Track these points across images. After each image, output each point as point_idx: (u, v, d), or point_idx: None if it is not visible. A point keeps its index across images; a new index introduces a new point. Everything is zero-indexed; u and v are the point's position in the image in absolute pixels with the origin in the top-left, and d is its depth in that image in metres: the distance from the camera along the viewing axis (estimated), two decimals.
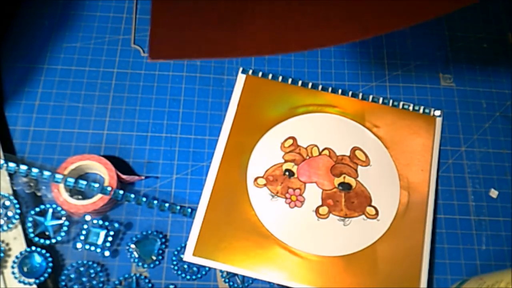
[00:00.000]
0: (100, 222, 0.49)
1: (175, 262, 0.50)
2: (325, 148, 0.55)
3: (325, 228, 0.51)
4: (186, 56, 0.45)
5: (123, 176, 0.51)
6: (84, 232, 0.49)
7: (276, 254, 0.50)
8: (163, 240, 0.51)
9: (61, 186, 0.49)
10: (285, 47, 0.43)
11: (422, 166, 0.55)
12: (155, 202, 0.51)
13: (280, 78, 0.58)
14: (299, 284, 0.49)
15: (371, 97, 0.58)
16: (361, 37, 0.43)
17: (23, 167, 0.49)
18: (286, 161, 0.54)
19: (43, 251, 0.48)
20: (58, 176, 0.49)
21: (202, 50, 0.42)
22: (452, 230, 0.54)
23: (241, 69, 0.58)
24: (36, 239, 0.49)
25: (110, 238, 0.49)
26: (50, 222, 0.49)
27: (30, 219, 0.49)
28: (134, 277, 0.49)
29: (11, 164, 0.49)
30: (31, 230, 0.49)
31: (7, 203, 0.49)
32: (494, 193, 0.55)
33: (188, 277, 0.50)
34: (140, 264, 0.49)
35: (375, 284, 0.49)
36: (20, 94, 0.56)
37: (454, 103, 0.60)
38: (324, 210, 0.52)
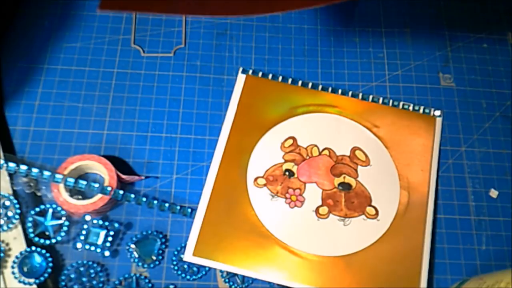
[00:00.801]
0: (100, 222, 0.49)
1: (175, 262, 0.50)
2: (325, 148, 0.55)
3: (325, 228, 0.51)
4: (136, 8, 0.44)
5: (123, 176, 0.51)
6: (84, 232, 0.49)
7: (276, 254, 0.50)
8: (163, 240, 0.51)
9: (61, 186, 0.49)
10: (247, 10, 0.42)
11: (422, 166, 0.55)
12: (155, 202, 0.51)
13: (280, 78, 0.58)
14: (299, 284, 0.49)
15: (371, 97, 0.58)
16: (323, 3, 0.43)
17: (23, 167, 0.49)
18: (286, 161, 0.54)
19: (43, 251, 0.48)
20: (58, 176, 0.49)
21: (153, 4, 0.41)
22: (452, 230, 0.54)
23: (241, 69, 0.58)
24: (36, 239, 0.49)
25: (110, 238, 0.49)
26: (50, 222, 0.49)
27: (30, 219, 0.49)
28: (134, 277, 0.49)
29: (11, 164, 0.49)
30: (31, 230, 0.49)
31: (7, 203, 0.49)
32: (494, 193, 0.55)
33: (188, 277, 0.50)
34: (140, 264, 0.49)
35: (375, 284, 0.49)
36: (20, 94, 0.56)
37: (454, 103, 0.60)
38: (324, 210, 0.52)
